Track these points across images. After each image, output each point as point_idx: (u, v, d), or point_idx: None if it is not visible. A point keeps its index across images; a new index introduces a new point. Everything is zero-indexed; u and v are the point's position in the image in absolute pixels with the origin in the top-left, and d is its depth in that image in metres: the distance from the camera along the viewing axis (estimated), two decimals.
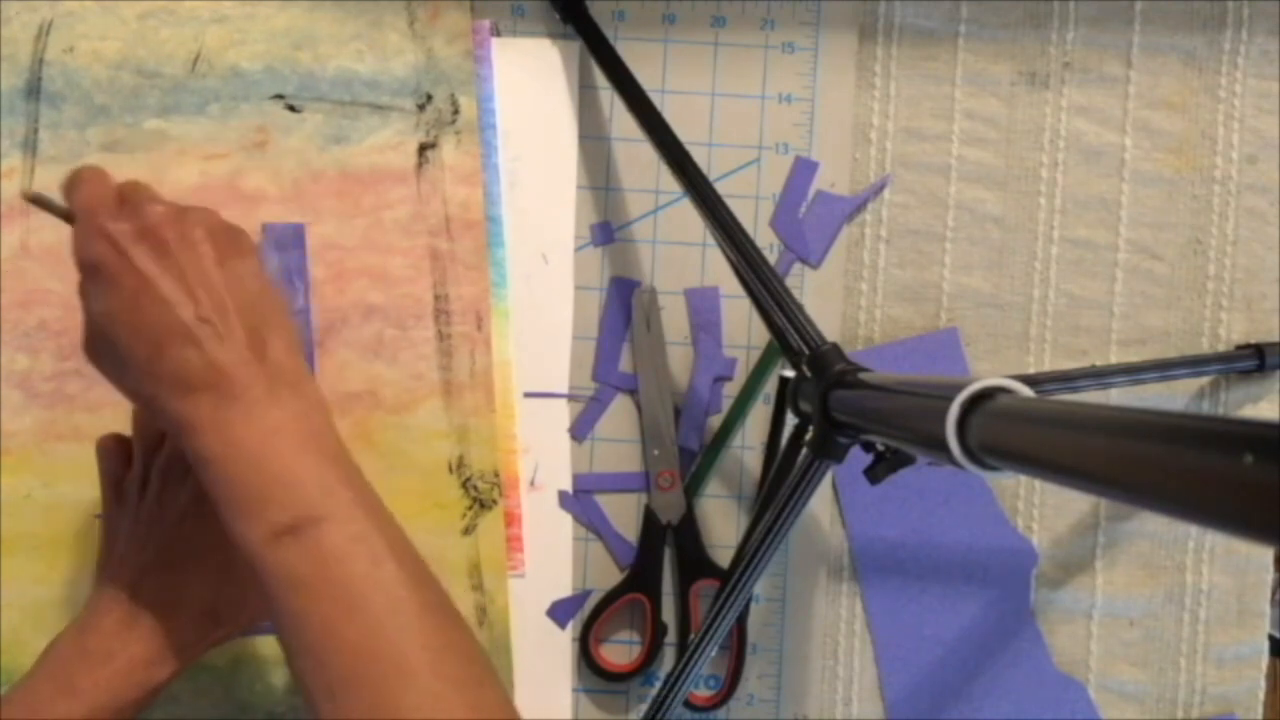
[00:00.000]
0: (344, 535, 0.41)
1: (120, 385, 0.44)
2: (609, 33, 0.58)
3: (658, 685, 0.58)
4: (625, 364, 0.60)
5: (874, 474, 0.42)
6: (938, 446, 0.33)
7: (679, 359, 0.60)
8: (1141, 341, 0.61)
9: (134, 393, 0.43)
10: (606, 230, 0.60)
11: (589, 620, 0.59)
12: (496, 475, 0.58)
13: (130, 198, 0.44)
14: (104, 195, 0.44)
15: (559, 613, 0.59)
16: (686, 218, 0.60)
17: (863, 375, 0.44)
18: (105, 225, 0.42)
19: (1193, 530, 0.61)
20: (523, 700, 0.58)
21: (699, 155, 0.54)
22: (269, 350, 0.43)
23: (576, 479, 0.60)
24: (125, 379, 0.43)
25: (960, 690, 0.60)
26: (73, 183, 0.45)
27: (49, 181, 0.57)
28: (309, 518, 0.41)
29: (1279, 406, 0.61)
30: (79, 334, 0.43)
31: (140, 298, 0.41)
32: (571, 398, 0.60)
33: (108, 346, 0.42)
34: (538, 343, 0.59)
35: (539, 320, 0.59)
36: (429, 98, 0.58)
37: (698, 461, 0.60)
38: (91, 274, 0.42)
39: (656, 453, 0.59)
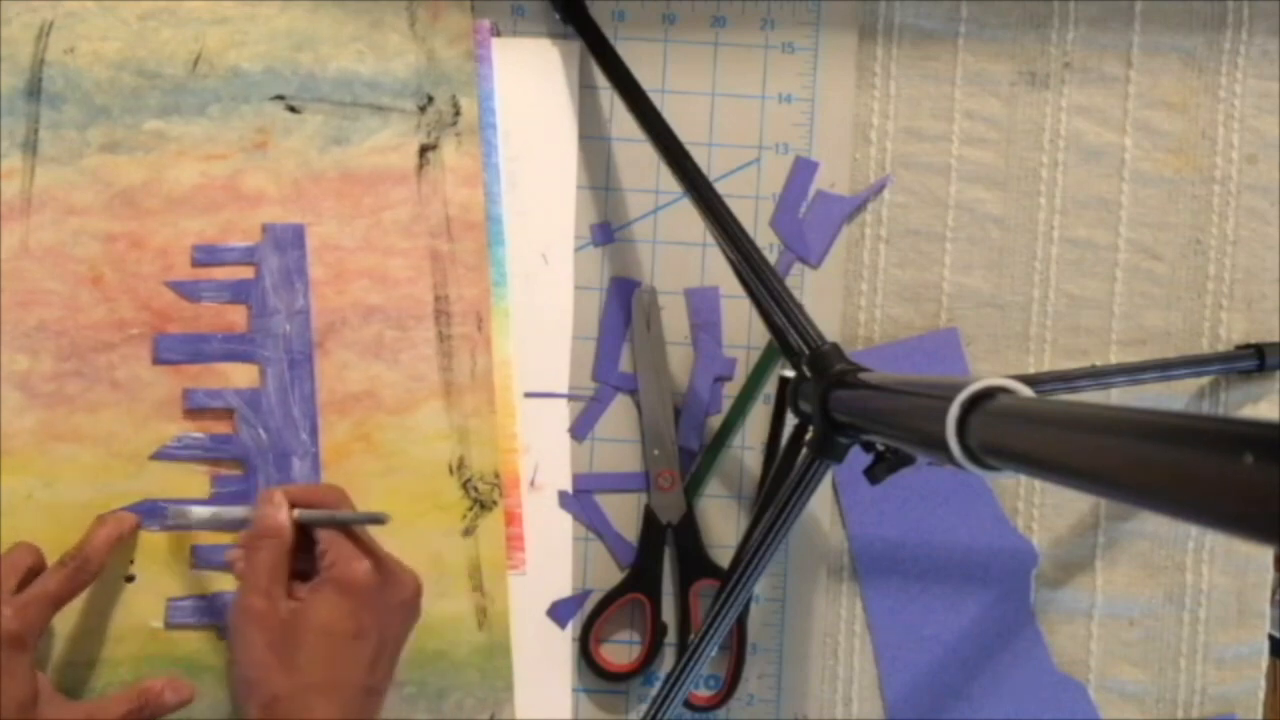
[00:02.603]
0: None
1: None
2: (609, 33, 0.58)
3: (658, 685, 0.58)
4: (625, 364, 0.60)
5: (874, 474, 0.42)
6: (938, 446, 0.33)
7: (679, 359, 0.60)
8: (1141, 341, 0.61)
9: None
10: (606, 230, 0.60)
11: (589, 620, 0.59)
12: (497, 476, 0.58)
13: None
14: None
15: (559, 613, 0.59)
16: (686, 218, 0.60)
17: (863, 375, 0.44)
18: None
19: (1193, 530, 0.61)
20: (523, 700, 0.58)
21: (699, 155, 0.54)
22: None
23: (576, 479, 0.60)
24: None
25: (960, 690, 0.60)
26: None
27: (48, 182, 0.57)
28: None
29: (1279, 406, 0.61)
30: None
31: None
32: (571, 398, 0.60)
33: None
34: (538, 343, 0.59)
35: (539, 320, 0.59)
36: (430, 99, 0.58)
37: (698, 461, 0.60)
38: None
39: (656, 453, 0.59)
